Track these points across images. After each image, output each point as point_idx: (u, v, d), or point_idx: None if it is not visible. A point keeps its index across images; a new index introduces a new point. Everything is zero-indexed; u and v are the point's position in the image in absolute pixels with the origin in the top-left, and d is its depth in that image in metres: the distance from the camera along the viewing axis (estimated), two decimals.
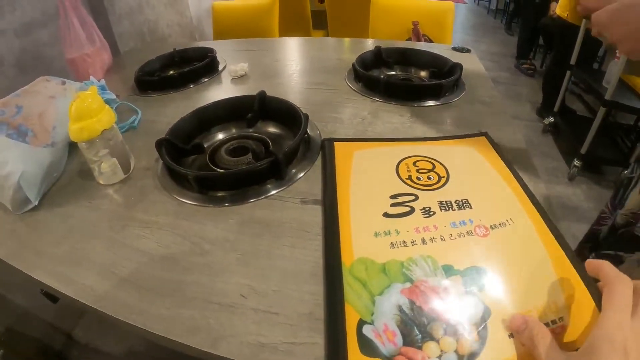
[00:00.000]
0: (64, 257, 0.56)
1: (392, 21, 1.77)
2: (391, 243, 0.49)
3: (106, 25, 1.51)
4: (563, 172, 2.26)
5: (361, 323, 0.40)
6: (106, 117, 0.66)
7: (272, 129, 0.84)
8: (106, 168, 0.67)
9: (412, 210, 0.54)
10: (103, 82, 0.97)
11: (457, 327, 0.39)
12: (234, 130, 0.84)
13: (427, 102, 0.89)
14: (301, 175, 0.68)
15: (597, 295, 0.40)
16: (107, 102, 0.70)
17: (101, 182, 0.69)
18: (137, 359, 1.21)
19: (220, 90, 1.05)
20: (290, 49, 1.36)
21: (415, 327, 0.39)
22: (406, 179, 0.60)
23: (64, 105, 0.75)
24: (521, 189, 0.57)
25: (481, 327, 0.39)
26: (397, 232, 0.50)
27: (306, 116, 0.75)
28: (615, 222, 0.71)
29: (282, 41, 1.44)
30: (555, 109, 2.54)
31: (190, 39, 2.17)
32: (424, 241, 0.49)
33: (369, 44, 1.33)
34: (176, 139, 0.73)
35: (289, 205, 0.61)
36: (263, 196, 0.63)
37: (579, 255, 0.51)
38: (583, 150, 2.12)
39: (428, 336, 0.38)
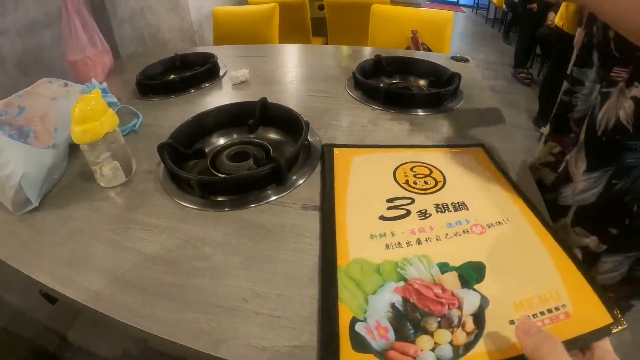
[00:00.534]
0: (65, 258, 0.56)
1: (391, 30, 1.79)
2: (386, 244, 0.50)
3: (107, 29, 1.52)
4: None
5: (354, 321, 0.40)
6: (109, 120, 0.66)
7: (273, 135, 0.85)
8: (108, 171, 0.68)
9: (408, 213, 0.55)
10: (105, 85, 0.97)
11: (452, 319, 0.40)
12: (235, 136, 0.85)
13: (426, 110, 0.90)
14: (302, 181, 0.68)
15: (597, 286, 0.42)
16: (109, 105, 0.71)
17: (102, 184, 0.69)
18: None
19: (221, 96, 1.05)
20: (291, 56, 1.37)
21: (408, 323, 0.40)
22: (403, 183, 0.61)
23: (66, 107, 0.75)
24: (516, 194, 0.58)
25: (478, 318, 0.40)
26: (393, 234, 0.51)
27: (307, 123, 0.75)
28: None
29: (282, 48, 1.46)
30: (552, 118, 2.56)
31: (190, 44, 2.18)
32: (419, 242, 0.50)
33: (369, 52, 1.34)
34: (178, 143, 0.74)
35: (289, 210, 0.62)
36: (264, 201, 0.64)
37: None
38: None
39: (421, 330, 0.39)
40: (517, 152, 0.74)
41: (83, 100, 0.64)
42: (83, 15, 1.13)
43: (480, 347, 0.37)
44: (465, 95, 0.97)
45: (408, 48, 1.71)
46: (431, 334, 0.39)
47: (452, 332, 0.39)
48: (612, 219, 0.59)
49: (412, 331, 0.39)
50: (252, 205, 0.63)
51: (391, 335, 0.39)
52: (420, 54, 1.33)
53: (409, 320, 0.40)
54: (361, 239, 0.51)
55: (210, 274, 0.51)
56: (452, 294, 0.42)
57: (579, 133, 0.65)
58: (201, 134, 0.83)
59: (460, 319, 0.40)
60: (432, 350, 0.37)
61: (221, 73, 1.17)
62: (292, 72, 1.17)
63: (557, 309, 0.40)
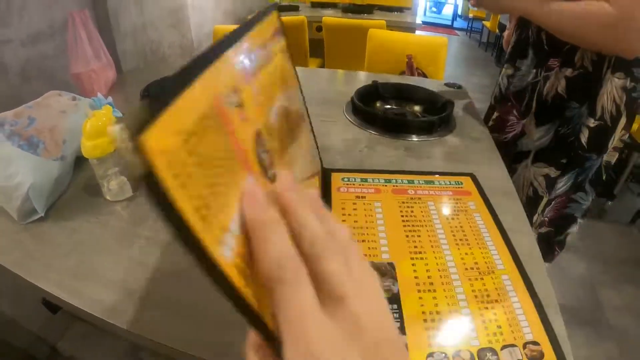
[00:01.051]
0: (72, 269, 0.57)
1: (388, 54, 1.84)
2: None
3: (111, 43, 1.54)
4: None
5: None
6: None
7: None
8: (115, 185, 0.70)
9: None
10: (110, 99, 0.99)
11: None
12: None
13: (421, 136, 0.95)
14: None
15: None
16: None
17: (109, 198, 0.71)
18: None
19: None
20: None
21: None
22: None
23: (75, 120, 0.77)
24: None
25: None
26: None
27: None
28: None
29: None
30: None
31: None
32: None
33: (364, 77, 1.39)
34: None
35: None
36: None
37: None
38: None
39: None
40: (506, 181, 0.78)
41: (95, 116, 0.66)
42: (89, 29, 1.15)
43: None
44: (458, 122, 1.01)
45: (403, 73, 1.77)
46: None
47: None
48: (562, 153, 0.87)
49: None
50: None
51: None
52: (415, 80, 1.38)
53: None
54: None
55: None
56: None
57: (516, 103, 0.97)
58: None
59: None
60: None
61: None
62: None
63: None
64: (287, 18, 2.23)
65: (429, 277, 0.53)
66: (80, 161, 0.78)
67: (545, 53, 0.86)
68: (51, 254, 0.60)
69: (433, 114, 1.02)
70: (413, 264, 0.55)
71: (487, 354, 0.44)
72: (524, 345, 0.45)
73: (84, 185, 0.76)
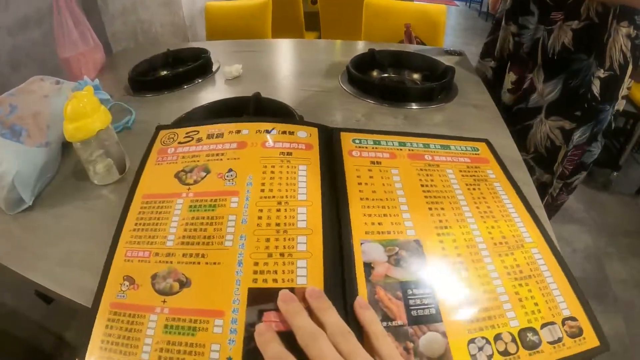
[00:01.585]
0: (60, 257, 0.56)
1: (385, 23, 1.78)
2: None
3: (99, 25, 1.50)
4: None
5: None
6: (102, 118, 0.66)
7: None
8: (101, 168, 0.67)
9: None
10: (97, 81, 0.96)
11: None
12: None
13: (421, 104, 0.91)
14: None
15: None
16: (101, 102, 0.70)
17: (96, 182, 0.69)
18: None
19: (215, 91, 1.05)
20: (284, 51, 1.37)
21: None
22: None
23: (59, 104, 0.75)
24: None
25: None
26: None
27: (301, 117, 0.75)
28: None
29: (275, 43, 1.45)
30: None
31: (182, 40, 2.16)
32: None
33: (362, 46, 1.34)
34: None
35: None
36: None
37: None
38: None
39: None
40: (513, 149, 0.74)
41: (75, 97, 0.63)
42: (74, 12, 1.11)
43: None
44: (459, 89, 0.97)
45: (402, 42, 1.71)
46: None
47: None
48: (575, 105, 0.87)
49: None
50: None
51: None
52: (414, 48, 1.33)
53: None
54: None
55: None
56: None
57: (530, 60, 0.95)
58: None
59: None
60: None
61: (214, 68, 1.16)
62: (285, 67, 1.17)
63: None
64: None
65: (458, 254, 0.48)
66: (68, 146, 0.75)
67: (549, 7, 0.87)
68: (40, 242, 0.59)
69: (433, 82, 0.98)
70: (441, 241, 0.50)
71: (528, 334, 0.41)
72: (563, 322, 0.42)
73: (72, 171, 0.74)
